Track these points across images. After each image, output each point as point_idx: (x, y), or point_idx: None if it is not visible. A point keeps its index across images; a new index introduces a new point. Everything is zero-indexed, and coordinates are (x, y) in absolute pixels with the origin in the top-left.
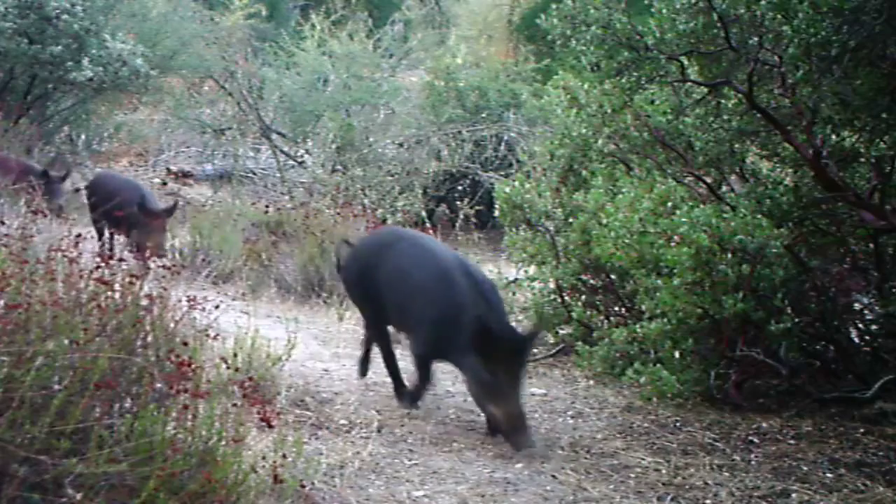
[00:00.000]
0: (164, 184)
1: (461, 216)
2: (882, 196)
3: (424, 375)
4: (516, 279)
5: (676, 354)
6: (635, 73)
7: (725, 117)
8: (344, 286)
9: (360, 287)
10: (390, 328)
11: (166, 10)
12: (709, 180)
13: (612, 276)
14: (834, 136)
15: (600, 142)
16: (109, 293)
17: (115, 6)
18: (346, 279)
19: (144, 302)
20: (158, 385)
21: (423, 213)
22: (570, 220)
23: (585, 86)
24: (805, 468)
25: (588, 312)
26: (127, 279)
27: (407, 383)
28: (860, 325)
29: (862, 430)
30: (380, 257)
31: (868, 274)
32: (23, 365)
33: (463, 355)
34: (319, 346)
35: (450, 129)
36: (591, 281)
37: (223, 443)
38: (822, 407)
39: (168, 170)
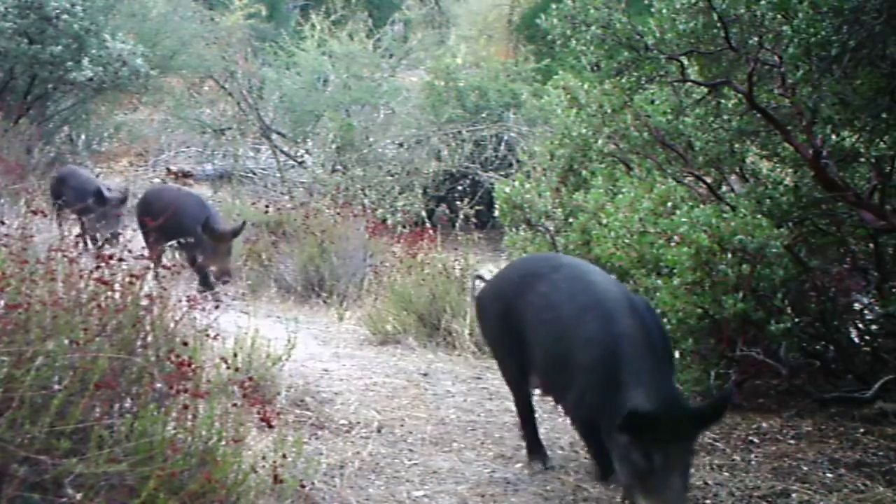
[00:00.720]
0: (165, 183)
1: (461, 216)
2: (882, 196)
3: (592, 445)
4: None
5: (676, 354)
6: (635, 73)
7: (725, 117)
8: (481, 330)
9: (503, 331)
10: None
11: (166, 10)
12: (709, 180)
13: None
14: (834, 136)
15: (600, 142)
16: (109, 293)
17: (115, 6)
18: (484, 321)
19: (144, 302)
20: (158, 385)
21: (423, 213)
22: (570, 220)
23: (585, 86)
24: (805, 468)
25: None
26: (127, 279)
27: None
28: (860, 325)
29: (862, 430)
30: (527, 292)
31: (868, 274)
32: (23, 365)
33: (613, 425)
34: (319, 346)
35: (450, 129)
36: None
37: (223, 443)
38: (822, 407)
39: (168, 170)
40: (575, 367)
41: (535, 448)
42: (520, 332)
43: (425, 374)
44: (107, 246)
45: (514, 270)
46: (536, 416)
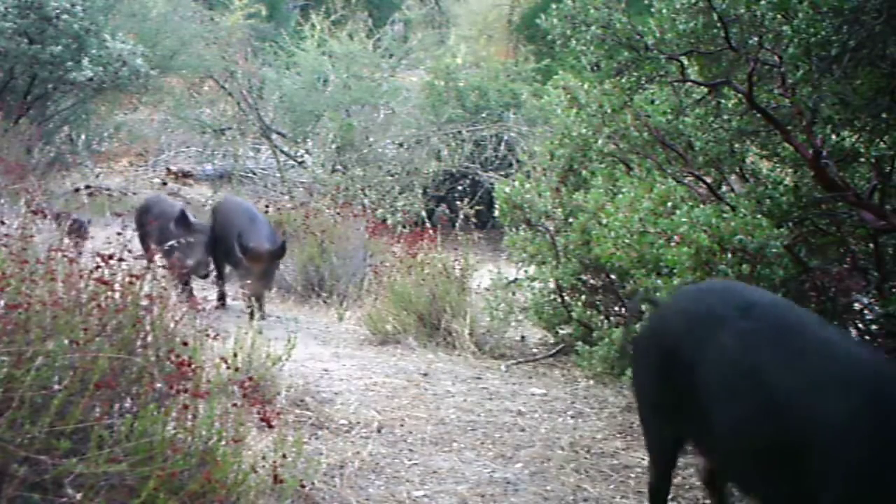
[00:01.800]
0: (164, 184)
1: (461, 216)
2: (882, 196)
3: None
4: (516, 279)
5: None
6: (635, 73)
7: (725, 117)
8: (633, 379)
9: (661, 390)
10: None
11: (166, 10)
12: (709, 180)
13: (612, 276)
14: (834, 136)
15: (600, 142)
16: (109, 293)
17: (115, 6)
18: (636, 369)
19: (144, 302)
20: (158, 385)
21: (423, 213)
22: (570, 220)
23: (585, 86)
24: None
25: (588, 312)
26: (127, 279)
27: None
28: (860, 325)
29: None
30: (703, 343)
31: (868, 274)
32: (23, 365)
33: None
34: (319, 346)
35: (450, 129)
36: (591, 281)
37: (223, 443)
38: None
39: (168, 170)
40: (815, 462)
41: None
42: (689, 397)
43: (425, 374)
44: (193, 277)
45: (683, 306)
46: (536, 416)
